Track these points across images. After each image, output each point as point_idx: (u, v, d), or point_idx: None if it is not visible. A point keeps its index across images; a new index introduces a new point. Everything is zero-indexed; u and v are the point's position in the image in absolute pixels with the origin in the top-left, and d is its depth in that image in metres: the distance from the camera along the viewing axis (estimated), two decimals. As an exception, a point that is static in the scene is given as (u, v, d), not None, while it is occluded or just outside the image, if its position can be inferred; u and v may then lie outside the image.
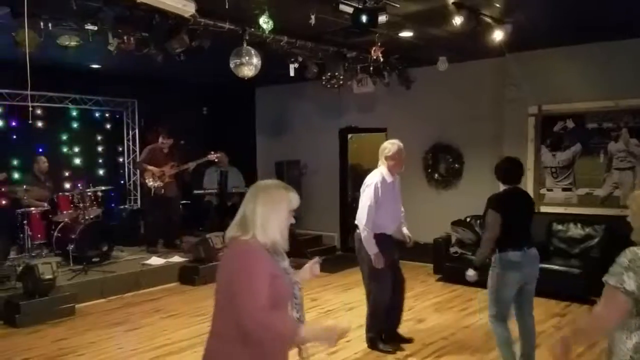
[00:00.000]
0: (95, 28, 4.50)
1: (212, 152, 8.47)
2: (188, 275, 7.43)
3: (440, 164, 8.33)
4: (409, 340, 5.06)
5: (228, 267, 2.16)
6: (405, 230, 5.05)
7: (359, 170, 10.59)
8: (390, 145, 4.81)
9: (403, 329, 5.22)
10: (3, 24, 4.92)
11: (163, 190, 8.00)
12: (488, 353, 4.81)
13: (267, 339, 2.08)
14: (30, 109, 4.15)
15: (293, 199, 2.30)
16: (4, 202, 7.65)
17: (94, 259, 7.02)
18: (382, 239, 4.71)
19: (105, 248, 7.28)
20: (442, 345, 5.01)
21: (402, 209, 5.09)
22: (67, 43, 4.87)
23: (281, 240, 2.23)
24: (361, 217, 4.70)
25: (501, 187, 4.22)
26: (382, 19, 4.49)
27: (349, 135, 9.90)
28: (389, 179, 4.80)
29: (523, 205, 4.20)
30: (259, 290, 2.04)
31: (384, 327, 4.94)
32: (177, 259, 7.71)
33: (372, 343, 4.91)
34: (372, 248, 4.64)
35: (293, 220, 2.30)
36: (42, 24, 4.35)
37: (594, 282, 3.16)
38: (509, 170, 4.18)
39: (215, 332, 2.23)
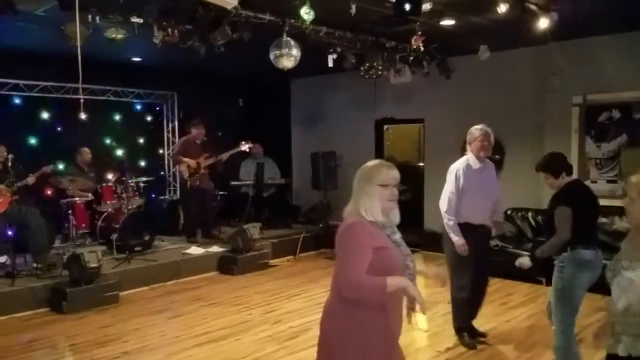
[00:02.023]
0: (141, 21, 4.57)
1: (243, 142, 8.47)
2: (227, 265, 7.53)
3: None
4: (483, 335, 4.92)
5: (337, 240, 2.40)
6: (498, 219, 4.85)
7: (394, 162, 10.54)
8: (472, 130, 4.68)
9: (439, 321, 5.23)
10: (50, 17, 5.06)
11: (198, 181, 8.10)
12: (530, 348, 4.73)
13: (358, 296, 2.32)
14: (82, 101, 4.23)
15: (383, 172, 2.41)
16: (49, 192, 7.89)
17: (136, 248, 7.15)
18: (466, 230, 4.57)
19: (147, 237, 7.42)
20: (484, 339, 4.94)
21: (499, 199, 4.87)
22: (114, 36, 4.95)
23: (379, 213, 2.38)
24: (442, 204, 4.64)
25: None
26: (426, 7, 4.43)
27: (385, 127, 9.83)
28: (475, 165, 4.66)
29: (592, 199, 3.92)
30: (355, 262, 2.28)
31: (467, 319, 4.83)
32: (215, 248, 7.81)
33: (457, 332, 4.87)
34: (454, 236, 4.55)
35: (394, 192, 2.41)
36: (89, 17, 4.44)
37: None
38: (566, 160, 3.95)
39: (331, 293, 2.48)
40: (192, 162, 8.06)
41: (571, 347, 3.82)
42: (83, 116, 4.64)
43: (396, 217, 2.48)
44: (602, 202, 6.85)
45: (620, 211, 6.66)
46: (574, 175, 4.08)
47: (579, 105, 7.11)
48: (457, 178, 4.62)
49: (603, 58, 6.84)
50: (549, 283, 6.58)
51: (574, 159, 7.03)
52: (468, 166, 4.66)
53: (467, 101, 8.14)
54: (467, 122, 8.39)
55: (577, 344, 3.96)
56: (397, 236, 2.45)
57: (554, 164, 3.94)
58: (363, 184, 2.41)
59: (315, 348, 4.72)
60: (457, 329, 4.87)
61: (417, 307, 2.40)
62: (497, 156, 8.04)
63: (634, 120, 6.73)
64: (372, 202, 2.37)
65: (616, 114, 6.88)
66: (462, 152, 8.15)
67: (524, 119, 7.64)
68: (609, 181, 6.93)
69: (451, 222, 4.59)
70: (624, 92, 6.73)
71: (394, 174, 2.42)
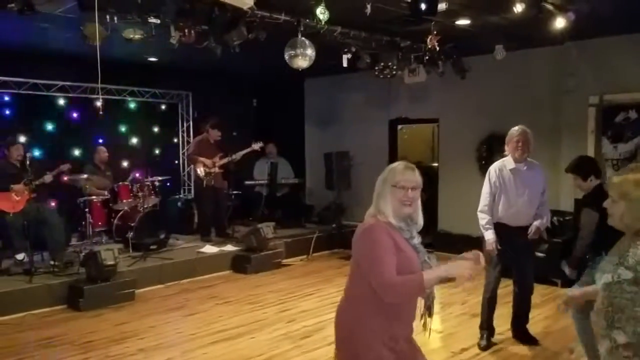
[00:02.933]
0: (158, 21, 4.61)
1: (254, 142, 8.48)
2: (240, 264, 7.57)
3: (495, 156, 8.04)
4: (535, 341, 4.83)
5: (355, 243, 2.36)
6: (536, 222, 4.58)
7: (407, 162, 10.49)
8: (511, 130, 4.59)
9: (453, 322, 5.19)
10: (68, 18, 5.12)
11: (213, 181, 8.15)
12: (546, 350, 4.70)
13: (396, 297, 2.24)
14: (100, 100, 4.30)
15: (397, 173, 2.35)
16: (66, 190, 7.96)
17: (151, 247, 7.22)
18: (497, 230, 4.58)
19: (162, 236, 7.50)
20: (499, 340, 4.91)
21: (543, 204, 4.67)
22: (131, 36, 5.01)
23: (392, 214, 2.33)
24: (480, 202, 4.70)
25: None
26: (442, 6, 4.42)
27: (399, 126, 9.80)
28: (509, 165, 4.61)
29: None
30: (384, 264, 2.21)
31: (489, 318, 4.80)
32: (229, 247, 7.85)
33: (479, 328, 4.87)
34: (484, 234, 4.59)
35: (408, 195, 2.32)
36: (107, 17, 4.49)
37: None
38: (596, 163, 4.04)
39: (346, 294, 2.45)
40: (208, 162, 8.10)
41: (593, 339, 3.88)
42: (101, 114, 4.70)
43: (419, 221, 2.42)
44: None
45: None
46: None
47: (595, 106, 7.03)
48: (489, 178, 4.66)
49: (620, 58, 6.77)
50: (564, 285, 6.58)
51: (590, 160, 6.97)
52: (502, 166, 4.65)
53: (482, 101, 8.10)
54: (482, 122, 8.32)
55: None
56: (416, 241, 2.38)
57: (584, 167, 4.06)
58: (380, 184, 2.40)
59: (329, 347, 4.71)
60: (479, 325, 4.89)
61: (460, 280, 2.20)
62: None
63: (652, 120, 6.66)
64: (386, 203, 2.34)
65: (633, 114, 6.80)
66: (478, 153, 8.18)
67: (540, 119, 7.55)
68: (626, 182, 6.84)
69: (483, 221, 4.63)
70: (641, 92, 6.66)
71: (410, 176, 2.34)
